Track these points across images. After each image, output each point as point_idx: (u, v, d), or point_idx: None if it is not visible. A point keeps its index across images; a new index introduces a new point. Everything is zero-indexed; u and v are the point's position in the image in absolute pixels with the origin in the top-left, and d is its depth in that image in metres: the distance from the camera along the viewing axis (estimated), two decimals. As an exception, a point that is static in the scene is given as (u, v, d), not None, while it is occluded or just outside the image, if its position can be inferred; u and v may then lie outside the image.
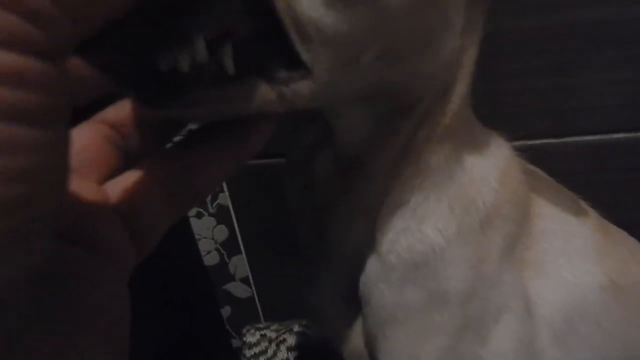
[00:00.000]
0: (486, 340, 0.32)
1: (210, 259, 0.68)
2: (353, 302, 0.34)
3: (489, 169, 0.32)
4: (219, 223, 0.65)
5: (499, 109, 0.50)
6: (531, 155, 0.37)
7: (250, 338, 0.69)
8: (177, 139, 0.22)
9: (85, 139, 0.20)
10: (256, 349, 0.68)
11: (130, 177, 0.19)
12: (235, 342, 0.74)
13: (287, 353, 0.65)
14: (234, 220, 0.64)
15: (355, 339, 0.35)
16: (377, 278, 0.32)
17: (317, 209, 0.32)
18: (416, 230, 0.30)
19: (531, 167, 0.39)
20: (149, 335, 0.52)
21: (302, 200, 0.34)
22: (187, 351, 0.61)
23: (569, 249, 0.35)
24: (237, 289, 0.71)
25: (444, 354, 0.32)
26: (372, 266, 0.32)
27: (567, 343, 0.35)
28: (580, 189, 0.39)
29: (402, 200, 0.30)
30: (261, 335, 0.69)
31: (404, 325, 0.32)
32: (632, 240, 0.42)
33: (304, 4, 0.19)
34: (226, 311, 0.73)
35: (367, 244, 0.31)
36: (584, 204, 0.40)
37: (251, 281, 0.69)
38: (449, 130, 0.29)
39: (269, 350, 0.67)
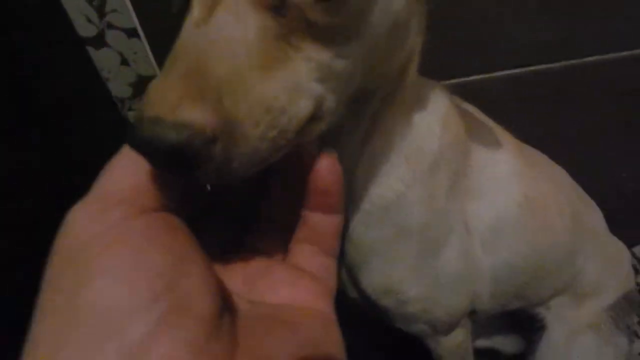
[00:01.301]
0: (439, 256, 0.42)
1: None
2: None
3: (432, 121, 0.39)
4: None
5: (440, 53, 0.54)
6: (466, 92, 0.44)
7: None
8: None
9: None
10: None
11: None
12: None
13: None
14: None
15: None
16: (357, 221, 0.39)
17: None
18: (384, 182, 0.38)
19: (466, 105, 0.47)
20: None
21: None
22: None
23: (495, 175, 0.45)
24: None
25: (410, 270, 0.41)
26: (350, 212, 0.39)
27: (493, 249, 0.46)
28: (505, 118, 0.47)
29: (372, 160, 0.37)
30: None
31: (380, 254, 0.41)
32: (544, 159, 0.54)
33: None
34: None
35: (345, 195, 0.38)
36: (506, 133, 0.49)
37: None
38: (402, 101, 0.36)
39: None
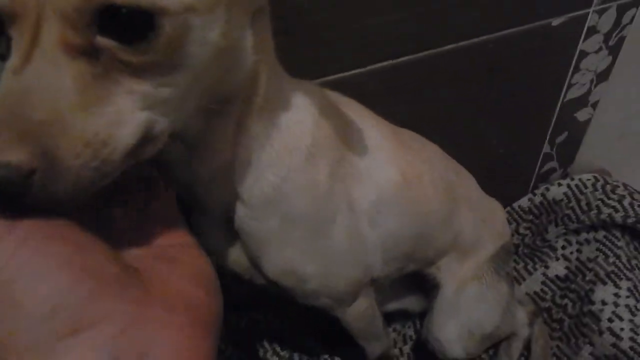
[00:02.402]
0: (328, 236, 0.47)
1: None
2: (228, 232, 0.45)
3: (303, 118, 0.43)
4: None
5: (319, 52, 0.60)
6: (342, 87, 0.49)
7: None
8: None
9: None
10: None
11: None
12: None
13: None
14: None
15: (234, 254, 0.47)
16: (245, 217, 0.43)
17: (180, 183, 0.40)
18: (262, 178, 0.41)
19: (343, 98, 0.52)
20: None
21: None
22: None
23: (374, 160, 0.50)
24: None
25: (303, 252, 0.46)
26: (240, 209, 0.43)
27: (378, 223, 0.52)
28: (381, 108, 0.53)
29: (247, 161, 0.40)
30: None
31: (273, 241, 0.45)
32: (418, 141, 0.61)
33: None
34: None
35: (230, 195, 0.42)
36: (383, 121, 0.55)
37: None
38: (263, 105, 0.39)
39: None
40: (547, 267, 0.87)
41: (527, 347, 0.79)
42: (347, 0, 0.55)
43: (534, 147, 0.86)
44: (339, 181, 0.47)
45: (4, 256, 0.22)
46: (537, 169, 0.90)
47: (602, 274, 0.78)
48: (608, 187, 0.84)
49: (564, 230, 0.86)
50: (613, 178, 0.88)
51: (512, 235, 0.93)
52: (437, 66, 0.65)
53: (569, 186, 0.87)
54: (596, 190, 0.85)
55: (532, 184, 0.93)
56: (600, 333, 0.73)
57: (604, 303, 0.75)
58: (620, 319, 0.73)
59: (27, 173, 0.23)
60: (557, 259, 0.86)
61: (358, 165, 0.49)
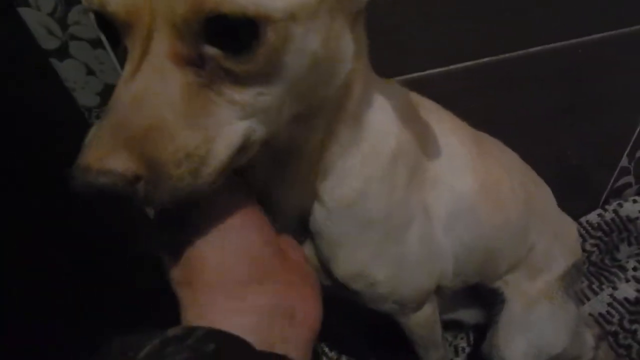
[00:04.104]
0: (403, 242, 0.45)
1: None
2: (300, 232, 0.44)
3: (388, 120, 0.41)
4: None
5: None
6: (420, 86, 0.47)
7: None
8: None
9: None
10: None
11: None
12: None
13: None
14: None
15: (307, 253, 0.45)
16: (323, 218, 0.42)
17: (258, 184, 0.39)
18: (344, 182, 0.40)
19: (422, 99, 0.50)
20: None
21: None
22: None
23: (452, 166, 0.48)
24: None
25: (376, 256, 0.44)
26: (318, 211, 0.42)
27: (453, 232, 0.50)
28: (460, 109, 0.51)
29: (332, 165, 0.39)
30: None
31: (348, 245, 0.43)
32: (497, 146, 0.58)
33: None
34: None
35: (309, 197, 0.41)
36: (462, 124, 0.53)
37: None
38: (355, 111, 0.38)
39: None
40: (615, 288, 0.81)
41: (591, 371, 0.74)
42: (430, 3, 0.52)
43: (610, 160, 0.80)
44: (416, 187, 0.45)
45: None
46: (611, 183, 0.85)
47: (678, 300, 0.73)
48: (691, 208, 0.78)
49: (638, 251, 0.80)
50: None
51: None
52: (519, 69, 0.61)
53: (646, 203, 0.82)
54: (677, 210, 0.79)
55: (603, 199, 0.87)
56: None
57: (680, 332, 0.70)
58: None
59: (133, 180, 0.23)
60: (628, 281, 0.81)
61: (435, 171, 0.47)
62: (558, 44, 0.61)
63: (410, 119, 0.44)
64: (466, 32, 0.57)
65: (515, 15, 0.57)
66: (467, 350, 0.80)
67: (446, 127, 0.50)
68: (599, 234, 0.86)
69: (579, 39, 0.61)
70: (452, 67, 0.59)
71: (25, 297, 0.49)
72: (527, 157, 0.62)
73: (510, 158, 0.60)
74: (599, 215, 0.85)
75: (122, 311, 0.59)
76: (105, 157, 0.23)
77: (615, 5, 0.59)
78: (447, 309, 0.76)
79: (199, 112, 0.26)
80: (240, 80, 0.26)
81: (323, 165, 0.39)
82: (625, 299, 0.80)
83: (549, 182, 0.67)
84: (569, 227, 0.72)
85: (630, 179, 0.84)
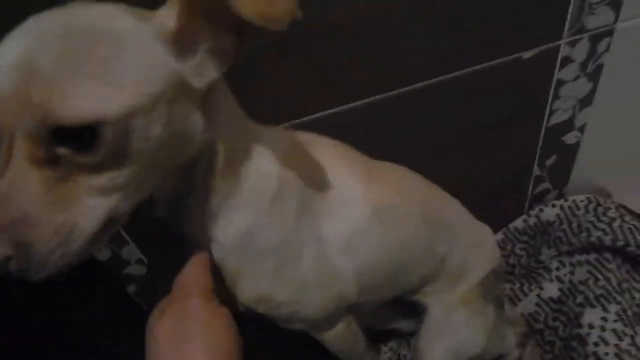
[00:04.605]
0: (297, 267, 0.51)
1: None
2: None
3: (267, 163, 0.48)
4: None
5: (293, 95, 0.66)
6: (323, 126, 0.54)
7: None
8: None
9: None
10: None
11: None
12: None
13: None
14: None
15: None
16: (221, 255, 0.49)
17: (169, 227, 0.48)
18: (232, 223, 0.47)
19: (315, 136, 0.57)
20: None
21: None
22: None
23: (344, 196, 0.54)
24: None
25: (273, 282, 0.51)
26: (217, 249, 0.49)
27: (351, 255, 0.56)
28: (373, 141, 0.59)
29: (218, 211, 0.46)
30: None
31: (245, 275, 0.50)
32: (396, 174, 0.64)
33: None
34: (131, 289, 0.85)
35: (208, 236, 0.48)
36: (359, 156, 0.60)
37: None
38: (225, 164, 0.44)
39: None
40: (541, 288, 0.88)
41: (520, 368, 0.80)
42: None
43: (523, 171, 0.88)
44: (306, 218, 0.51)
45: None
46: (530, 191, 0.92)
47: (591, 297, 0.79)
48: (600, 209, 0.85)
49: (556, 252, 0.87)
50: (610, 199, 0.89)
51: (509, 255, 0.95)
52: (419, 100, 0.68)
53: (562, 207, 0.89)
54: (588, 212, 0.86)
55: (527, 205, 0.94)
56: (586, 357, 0.74)
57: (591, 327, 0.76)
58: (606, 343, 0.73)
59: (4, 259, 0.30)
60: (552, 281, 0.87)
61: (325, 203, 0.53)
62: (447, 76, 0.68)
63: (297, 159, 0.51)
64: (365, 70, 0.65)
65: (403, 53, 0.64)
66: (409, 357, 0.86)
67: (339, 161, 0.56)
68: (525, 238, 0.92)
69: (464, 70, 0.68)
70: (354, 104, 0.66)
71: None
72: (449, 176, 0.69)
73: (409, 181, 0.66)
74: (524, 220, 0.92)
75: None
76: None
77: (493, 38, 0.67)
78: (385, 320, 0.82)
79: (62, 199, 0.32)
80: (94, 169, 0.33)
81: (211, 210, 0.46)
82: (550, 298, 0.86)
83: (475, 195, 0.74)
84: (485, 236, 0.78)
85: (547, 185, 0.91)
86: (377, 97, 0.67)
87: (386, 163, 0.66)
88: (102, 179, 0.33)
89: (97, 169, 0.33)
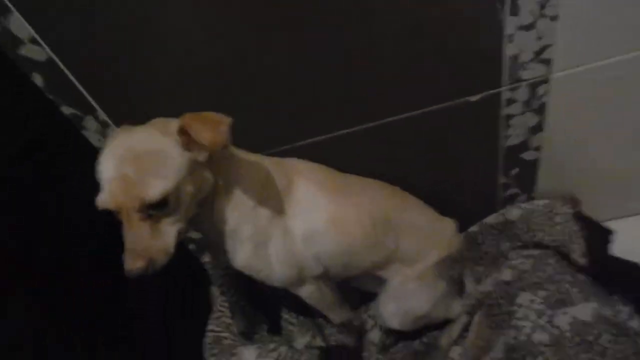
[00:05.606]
0: (267, 248, 0.81)
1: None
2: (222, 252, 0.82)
3: (251, 184, 0.78)
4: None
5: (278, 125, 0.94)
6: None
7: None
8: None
9: None
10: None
11: None
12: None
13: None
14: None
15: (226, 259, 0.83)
16: (226, 239, 0.80)
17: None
18: (230, 220, 0.78)
19: (295, 161, 0.87)
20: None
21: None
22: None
23: (309, 207, 0.83)
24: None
25: (252, 257, 0.81)
26: (225, 235, 0.79)
27: (310, 246, 0.84)
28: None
29: (223, 215, 0.77)
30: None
31: (237, 251, 0.81)
32: (359, 187, 0.92)
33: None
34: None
35: (224, 238, 0.79)
36: (328, 172, 0.89)
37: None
38: (222, 191, 0.75)
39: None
40: (500, 272, 1.09)
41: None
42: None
43: (490, 181, 1.08)
44: (276, 219, 0.81)
45: None
46: (500, 195, 1.12)
47: (528, 283, 1.00)
48: (550, 215, 1.04)
49: (513, 246, 1.08)
50: (570, 205, 1.06)
51: (483, 244, 1.16)
52: (398, 133, 0.93)
53: (524, 209, 1.08)
54: (541, 215, 1.05)
55: (500, 205, 1.14)
56: (510, 327, 0.97)
57: (520, 305, 0.98)
58: (527, 318, 0.95)
59: (145, 269, 0.64)
60: (508, 268, 1.08)
61: (293, 208, 0.82)
62: (404, 115, 0.91)
63: (272, 180, 0.81)
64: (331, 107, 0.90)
65: (362, 94, 0.88)
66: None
67: (310, 180, 0.85)
68: (495, 231, 1.13)
69: (418, 111, 0.91)
70: (330, 135, 0.92)
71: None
72: (424, 189, 0.97)
73: (367, 195, 0.91)
74: (495, 217, 1.13)
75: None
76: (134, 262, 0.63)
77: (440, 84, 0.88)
78: (367, 285, 1.09)
79: (158, 233, 0.66)
80: (167, 215, 0.66)
81: (221, 218, 0.77)
82: (503, 281, 1.07)
83: (452, 200, 1.02)
84: (444, 229, 1.01)
85: (516, 190, 1.11)
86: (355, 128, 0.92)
87: (355, 178, 0.93)
88: (172, 218, 0.67)
89: (168, 214, 0.66)
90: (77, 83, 0.83)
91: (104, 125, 0.90)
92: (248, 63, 0.82)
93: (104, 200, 0.64)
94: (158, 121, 0.69)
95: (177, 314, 1.08)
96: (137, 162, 0.63)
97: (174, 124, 0.66)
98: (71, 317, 0.83)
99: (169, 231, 0.66)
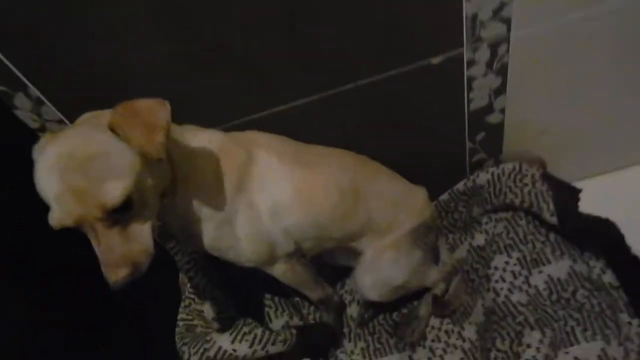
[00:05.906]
0: (233, 225, 0.78)
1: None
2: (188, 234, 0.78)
3: (208, 165, 0.75)
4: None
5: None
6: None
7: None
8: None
9: None
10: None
11: None
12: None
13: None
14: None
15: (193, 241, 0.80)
16: (192, 222, 0.76)
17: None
18: (192, 203, 0.74)
19: (257, 133, 0.84)
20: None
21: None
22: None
23: (272, 178, 0.80)
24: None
25: (217, 236, 0.78)
26: (194, 227, 0.77)
27: (277, 220, 0.81)
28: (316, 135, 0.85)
29: (186, 206, 0.74)
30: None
31: (202, 232, 0.78)
32: (324, 157, 0.89)
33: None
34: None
35: (188, 222, 0.76)
36: (291, 143, 0.87)
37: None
38: (182, 172, 0.71)
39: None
40: (472, 238, 1.10)
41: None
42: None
43: (457, 147, 1.08)
44: (239, 196, 0.77)
45: None
46: (467, 162, 1.12)
47: (501, 245, 1.01)
48: (518, 177, 1.04)
49: (484, 210, 1.08)
50: (537, 167, 1.07)
51: (454, 211, 1.16)
52: (352, 99, 0.91)
53: (492, 174, 1.08)
54: (509, 178, 1.05)
55: (467, 171, 1.14)
56: (487, 290, 0.97)
57: (495, 268, 0.98)
58: (504, 280, 0.96)
59: (130, 275, 0.59)
60: (480, 232, 1.08)
61: (257, 182, 0.78)
62: (366, 81, 0.89)
63: (230, 153, 0.77)
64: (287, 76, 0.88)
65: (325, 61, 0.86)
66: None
67: (271, 152, 0.82)
68: (465, 198, 1.13)
69: (382, 75, 0.89)
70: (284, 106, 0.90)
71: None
72: (391, 156, 0.95)
73: (333, 164, 0.88)
74: (465, 184, 1.12)
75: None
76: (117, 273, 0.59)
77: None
78: (341, 260, 1.07)
79: (130, 236, 0.61)
80: (135, 215, 0.61)
81: (182, 202, 0.74)
82: (477, 246, 1.08)
83: (420, 168, 1.01)
84: (415, 197, 1.00)
85: (482, 155, 1.11)
86: (322, 94, 0.90)
87: (320, 148, 0.90)
88: (141, 217, 0.62)
89: (136, 214, 0.61)
90: (1, 56, 0.77)
91: (38, 103, 0.84)
92: (202, 35, 0.79)
93: (58, 218, 0.57)
94: (88, 118, 0.65)
95: (152, 305, 1.04)
96: (82, 169, 0.56)
97: (105, 119, 0.60)
98: (71, 317, 0.85)
99: (142, 230, 0.62)
